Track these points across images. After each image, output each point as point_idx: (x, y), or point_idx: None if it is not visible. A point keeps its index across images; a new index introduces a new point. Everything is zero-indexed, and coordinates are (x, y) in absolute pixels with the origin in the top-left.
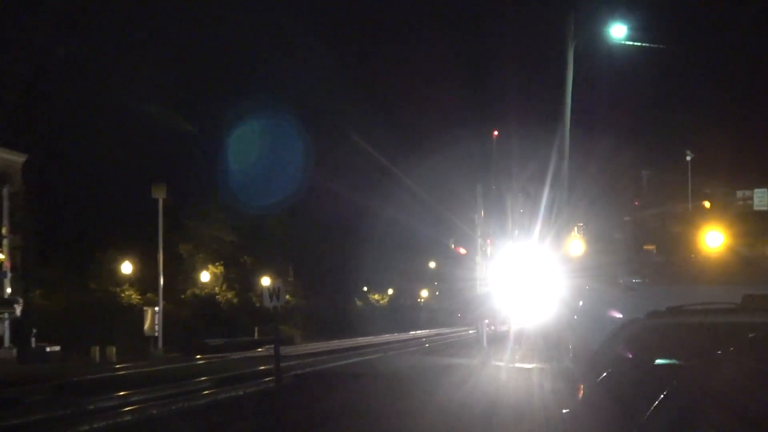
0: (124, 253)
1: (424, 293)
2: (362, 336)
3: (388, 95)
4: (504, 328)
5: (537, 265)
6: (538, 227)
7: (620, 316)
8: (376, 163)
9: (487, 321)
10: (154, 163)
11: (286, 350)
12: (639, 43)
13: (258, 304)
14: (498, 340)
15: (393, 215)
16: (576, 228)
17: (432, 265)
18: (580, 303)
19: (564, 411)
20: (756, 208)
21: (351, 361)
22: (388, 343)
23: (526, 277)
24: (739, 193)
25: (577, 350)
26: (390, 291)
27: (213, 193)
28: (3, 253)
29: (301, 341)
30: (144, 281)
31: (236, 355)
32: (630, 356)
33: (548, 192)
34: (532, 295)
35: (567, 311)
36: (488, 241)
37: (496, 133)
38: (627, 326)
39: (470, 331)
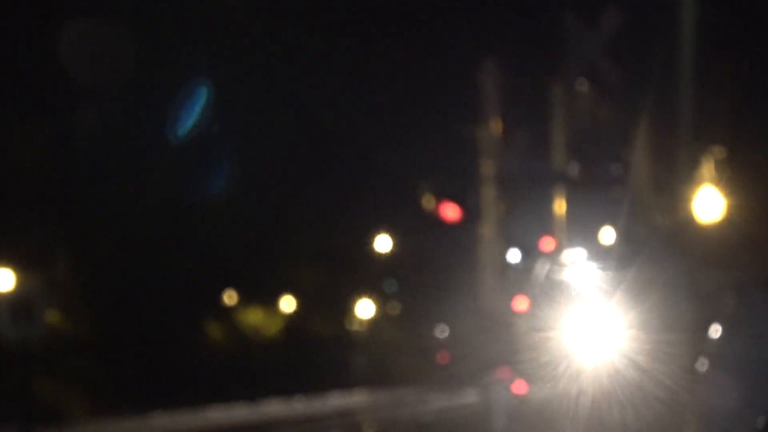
0: None
1: (365, 308)
2: (222, 403)
3: None
4: (519, 394)
5: (620, 247)
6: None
7: None
8: None
9: (507, 375)
10: None
11: None
12: None
13: None
14: (533, 417)
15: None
16: (709, 154)
17: (383, 245)
18: (716, 332)
19: None
20: None
21: None
22: (275, 424)
23: (597, 274)
24: None
25: None
26: (288, 302)
27: None
28: None
29: (84, 417)
30: None
31: None
32: None
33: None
34: (611, 316)
35: (697, 350)
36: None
37: None
38: None
39: (468, 399)
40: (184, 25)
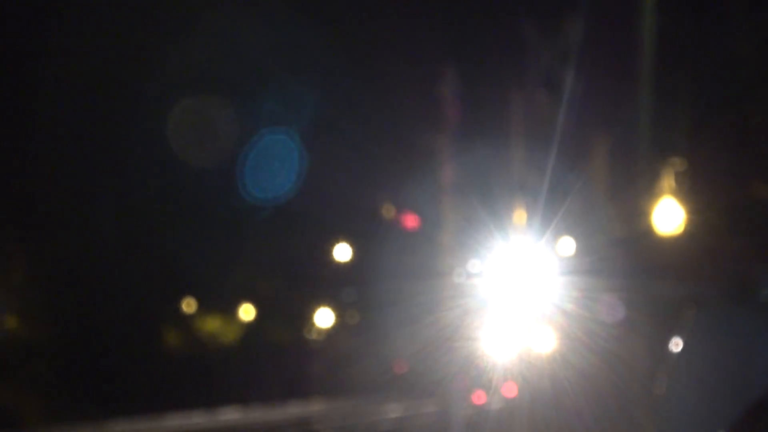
0: None
1: (324, 317)
2: (179, 410)
3: None
4: (509, 397)
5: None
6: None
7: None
8: None
9: (466, 385)
10: None
11: None
12: None
13: None
14: (491, 427)
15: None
16: (669, 166)
17: (342, 254)
18: (676, 345)
19: None
20: None
21: None
22: None
23: (556, 282)
24: None
25: None
26: (246, 310)
27: None
28: None
29: (40, 424)
30: None
31: None
32: None
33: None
34: (567, 327)
35: (645, 364)
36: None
37: None
38: None
39: (426, 409)
40: None
